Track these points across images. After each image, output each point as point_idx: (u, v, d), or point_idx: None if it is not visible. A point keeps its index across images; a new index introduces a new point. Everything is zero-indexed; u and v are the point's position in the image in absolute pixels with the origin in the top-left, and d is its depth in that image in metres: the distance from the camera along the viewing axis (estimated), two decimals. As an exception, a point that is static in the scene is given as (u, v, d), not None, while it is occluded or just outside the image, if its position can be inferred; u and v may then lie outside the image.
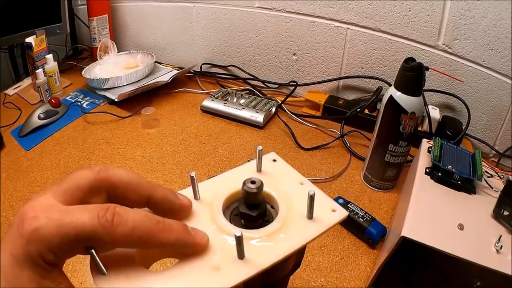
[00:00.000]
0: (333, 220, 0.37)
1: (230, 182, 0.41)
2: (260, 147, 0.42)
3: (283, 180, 0.42)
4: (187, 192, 0.39)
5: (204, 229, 0.34)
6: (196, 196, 0.39)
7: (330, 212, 0.38)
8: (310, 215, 0.37)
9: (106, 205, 0.29)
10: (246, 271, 0.32)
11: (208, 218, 0.37)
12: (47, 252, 0.27)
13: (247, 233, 0.35)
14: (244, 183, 0.37)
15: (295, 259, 0.43)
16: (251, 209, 0.37)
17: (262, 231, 0.36)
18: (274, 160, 0.46)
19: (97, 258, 0.29)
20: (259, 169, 0.43)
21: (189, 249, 0.33)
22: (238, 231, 0.31)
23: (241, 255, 0.32)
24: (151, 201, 0.34)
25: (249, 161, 0.45)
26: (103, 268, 0.30)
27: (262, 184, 0.37)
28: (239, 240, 0.31)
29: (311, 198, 0.35)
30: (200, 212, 0.38)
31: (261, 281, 0.38)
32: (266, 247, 0.34)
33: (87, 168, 0.32)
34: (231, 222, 0.37)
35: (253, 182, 0.36)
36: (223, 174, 0.43)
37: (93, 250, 0.29)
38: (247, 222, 0.38)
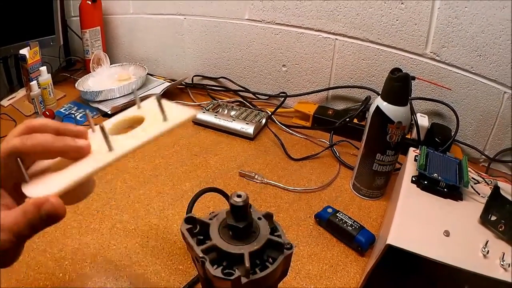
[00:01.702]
0: (183, 118, 0.43)
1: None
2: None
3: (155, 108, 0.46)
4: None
5: (95, 142, 0.42)
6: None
7: (182, 114, 0.44)
8: (164, 117, 0.42)
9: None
10: (115, 153, 0.40)
11: (100, 138, 0.42)
12: None
13: (116, 137, 0.43)
14: (230, 197, 0.38)
15: (282, 267, 0.44)
16: (238, 221, 0.38)
17: (127, 134, 0.43)
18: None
19: (23, 168, 0.39)
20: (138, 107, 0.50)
21: (76, 153, 0.41)
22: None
23: (110, 147, 0.40)
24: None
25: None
26: (27, 176, 0.39)
27: (247, 197, 0.38)
28: (103, 131, 0.40)
29: (158, 101, 0.43)
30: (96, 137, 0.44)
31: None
32: (130, 140, 0.41)
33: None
34: (219, 234, 0.39)
35: (239, 196, 0.38)
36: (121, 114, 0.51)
37: (19, 160, 0.38)
38: (234, 234, 0.39)
